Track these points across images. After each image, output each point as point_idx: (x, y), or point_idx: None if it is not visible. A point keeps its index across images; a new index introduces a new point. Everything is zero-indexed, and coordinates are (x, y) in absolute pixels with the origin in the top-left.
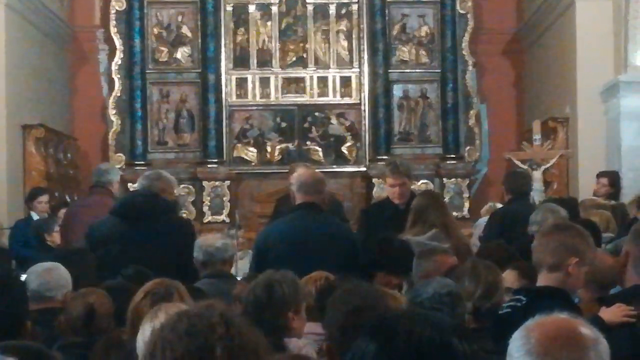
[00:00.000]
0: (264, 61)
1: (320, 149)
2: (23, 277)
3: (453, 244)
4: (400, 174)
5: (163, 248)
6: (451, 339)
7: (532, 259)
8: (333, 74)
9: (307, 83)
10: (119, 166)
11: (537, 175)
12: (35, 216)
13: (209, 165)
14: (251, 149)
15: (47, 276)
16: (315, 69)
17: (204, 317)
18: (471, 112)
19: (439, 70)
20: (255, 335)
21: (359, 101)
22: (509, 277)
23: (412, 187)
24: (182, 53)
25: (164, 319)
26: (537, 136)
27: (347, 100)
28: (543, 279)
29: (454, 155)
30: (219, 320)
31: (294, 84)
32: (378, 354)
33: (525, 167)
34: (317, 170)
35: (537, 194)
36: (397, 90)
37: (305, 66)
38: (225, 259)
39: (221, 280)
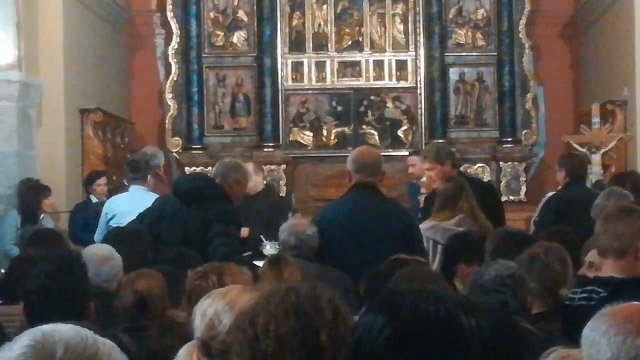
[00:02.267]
0: (320, 45)
1: (376, 133)
2: None
3: (479, 230)
4: (427, 158)
5: (204, 230)
6: (457, 313)
7: (596, 246)
8: (389, 58)
9: (363, 67)
10: (175, 150)
11: (595, 158)
12: (94, 199)
13: (265, 149)
14: (307, 132)
15: (103, 267)
16: (371, 52)
17: (313, 299)
18: (528, 95)
19: (495, 54)
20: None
21: (414, 85)
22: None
23: (469, 170)
24: (238, 37)
25: (229, 299)
26: (595, 119)
27: (403, 83)
28: (610, 266)
29: (510, 139)
30: (327, 305)
31: (350, 68)
32: (384, 328)
33: (583, 150)
34: (374, 149)
35: (595, 177)
36: (453, 74)
37: (361, 50)
38: (312, 246)
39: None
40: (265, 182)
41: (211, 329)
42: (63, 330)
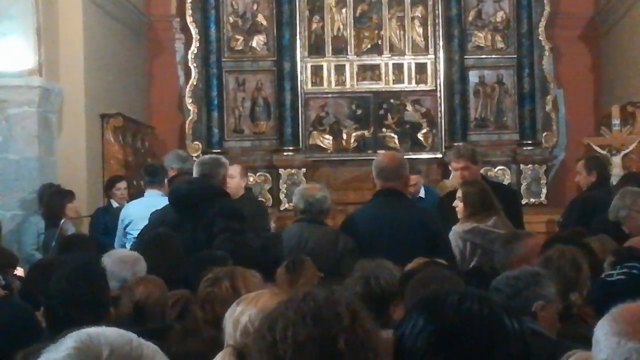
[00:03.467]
0: (339, 48)
1: (395, 136)
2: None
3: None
4: (462, 157)
5: (210, 232)
6: (501, 314)
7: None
8: (408, 61)
9: (383, 70)
10: (195, 155)
11: (616, 160)
12: (114, 204)
13: (285, 153)
14: (327, 136)
15: (126, 270)
16: (390, 55)
17: (330, 305)
18: (548, 97)
19: (515, 56)
20: (376, 332)
21: (434, 88)
22: None
23: (489, 172)
24: (257, 41)
25: (261, 305)
26: (616, 121)
27: (422, 87)
28: None
29: (531, 141)
30: (345, 310)
31: (369, 71)
32: (426, 327)
33: (604, 152)
34: (397, 154)
35: (616, 180)
36: (473, 77)
37: (380, 53)
38: (322, 209)
39: (313, 225)
40: (245, 186)
41: (246, 337)
42: (108, 333)
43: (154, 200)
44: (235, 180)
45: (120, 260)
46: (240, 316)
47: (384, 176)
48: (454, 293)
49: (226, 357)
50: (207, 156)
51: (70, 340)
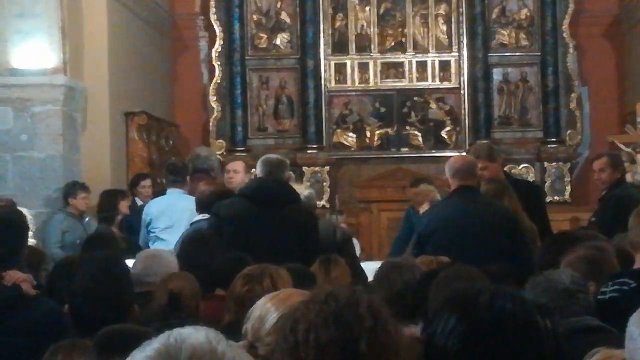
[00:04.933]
0: (363, 46)
1: (419, 134)
2: (131, 262)
3: (524, 229)
4: (480, 158)
5: (290, 234)
6: (534, 315)
7: (629, 241)
8: (432, 59)
9: (407, 68)
10: (219, 153)
11: None
12: (139, 202)
13: (308, 151)
14: (351, 134)
15: (150, 262)
16: (414, 53)
17: (353, 305)
18: (572, 95)
19: (539, 54)
20: (399, 332)
21: (458, 85)
22: None
23: (513, 170)
24: (281, 39)
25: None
26: None
27: (446, 84)
28: None
29: (555, 139)
30: (367, 312)
31: (393, 69)
32: (458, 326)
33: (629, 150)
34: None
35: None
36: (497, 74)
37: (404, 51)
38: (312, 205)
39: None
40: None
41: (257, 331)
42: (194, 336)
43: (176, 198)
44: (239, 175)
45: (152, 258)
46: (255, 311)
47: (460, 176)
48: (486, 291)
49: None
50: (273, 156)
51: (157, 341)
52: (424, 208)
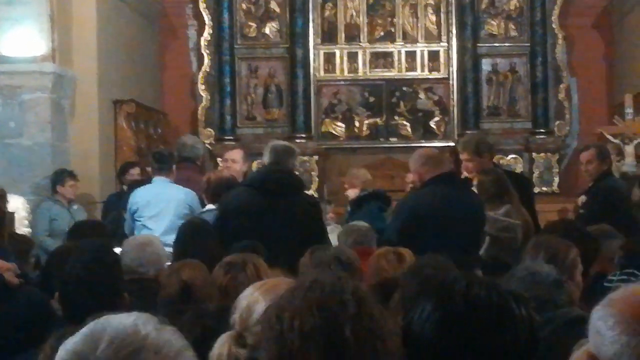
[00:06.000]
0: (352, 36)
1: (408, 124)
2: (117, 250)
3: (523, 221)
4: (465, 150)
5: (296, 223)
6: (509, 302)
7: None
8: (421, 49)
9: (395, 58)
10: (207, 141)
11: (629, 149)
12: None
13: (297, 140)
14: (339, 123)
15: (141, 252)
16: (403, 43)
17: (337, 292)
18: (561, 86)
19: (528, 44)
20: (385, 318)
21: (447, 75)
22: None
23: (502, 161)
24: (270, 28)
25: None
26: (629, 110)
27: (435, 74)
28: None
29: (543, 130)
30: (351, 297)
31: (382, 59)
32: (434, 313)
33: (617, 141)
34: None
35: (629, 169)
36: (486, 65)
37: (393, 41)
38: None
39: None
40: (246, 171)
41: (245, 321)
42: (120, 320)
43: (162, 187)
44: (237, 165)
45: (142, 245)
46: (242, 300)
47: (432, 163)
48: (462, 279)
49: (226, 339)
50: (279, 143)
51: (86, 327)
52: None
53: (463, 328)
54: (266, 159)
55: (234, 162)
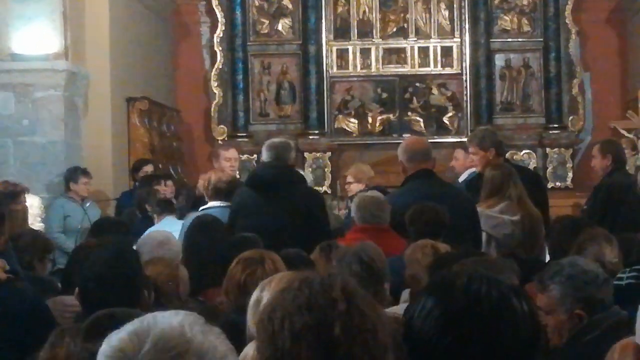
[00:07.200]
0: (365, 32)
1: (421, 120)
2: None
3: (523, 216)
4: (471, 143)
5: (298, 215)
6: (509, 296)
7: None
8: (434, 44)
9: (408, 53)
10: (221, 138)
11: None
12: None
13: (310, 137)
14: (352, 120)
15: (158, 249)
16: (416, 39)
17: (326, 290)
18: (574, 81)
19: (542, 39)
20: (377, 313)
21: (460, 71)
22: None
23: (515, 156)
24: (283, 25)
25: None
26: None
27: (448, 70)
28: None
29: (557, 125)
30: (340, 295)
31: (395, 55)
32: (435, 309)
33: (630, 135)
34: (422, 137)
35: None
36: (499, 60)
37: (406, 36)
38: None
39: None
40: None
41: (253, 317)
42: (167, 320)
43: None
44: (237, 162)
45: (155, 242)
46: (263, 300)
47: (418, 158)
48: (463, 274)
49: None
50: (277, 139)
51: (132, 324)
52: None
53: (464, 323)
54: (264, 157)
55: (236, 161)
